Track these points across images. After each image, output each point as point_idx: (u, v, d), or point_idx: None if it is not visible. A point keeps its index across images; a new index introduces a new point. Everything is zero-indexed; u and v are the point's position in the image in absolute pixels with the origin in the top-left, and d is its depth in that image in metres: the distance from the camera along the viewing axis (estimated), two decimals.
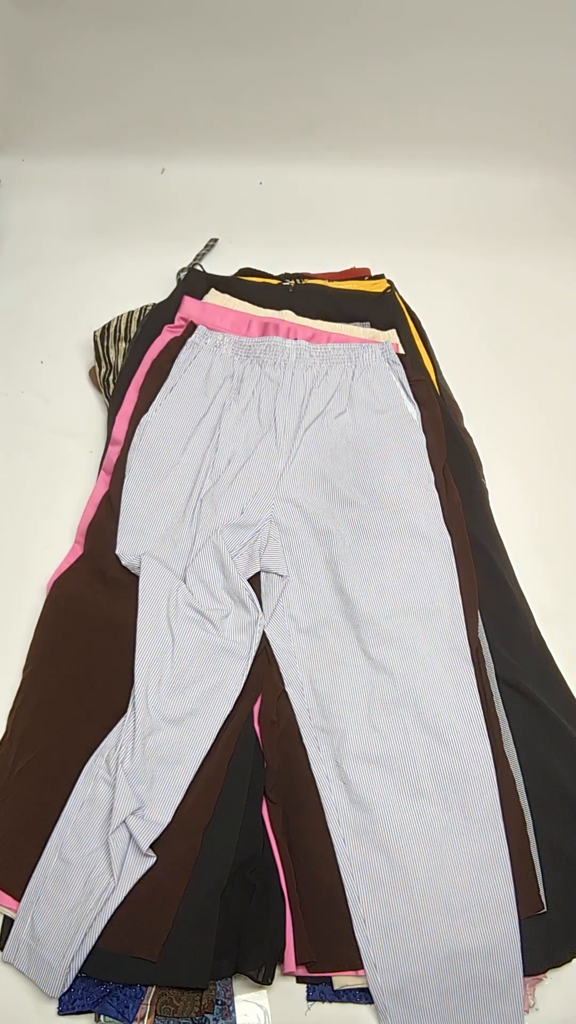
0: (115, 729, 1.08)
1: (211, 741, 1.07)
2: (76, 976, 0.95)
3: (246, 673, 1.12)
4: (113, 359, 1.43)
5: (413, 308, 1.50)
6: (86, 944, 0.95)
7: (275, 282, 1.52)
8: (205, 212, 1.76)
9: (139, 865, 0.99)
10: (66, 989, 0.95)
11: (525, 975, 0.97)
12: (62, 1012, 0.96)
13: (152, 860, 0.99)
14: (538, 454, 1.47)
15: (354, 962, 0.98)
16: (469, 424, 1.41)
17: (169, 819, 1.01)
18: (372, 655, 1.13)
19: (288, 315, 1.42)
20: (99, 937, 0.96)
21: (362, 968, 0.97)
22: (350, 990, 0.98)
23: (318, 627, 1.17)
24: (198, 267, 1.57)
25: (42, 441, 1.44)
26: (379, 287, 1.51)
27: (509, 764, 1.08)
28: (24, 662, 1.18)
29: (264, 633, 1.16)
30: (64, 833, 1.02)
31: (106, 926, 0.96)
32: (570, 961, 1.01)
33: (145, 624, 1.14)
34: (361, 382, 1.31)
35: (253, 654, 1.14)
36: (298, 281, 1.51)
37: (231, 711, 1.10)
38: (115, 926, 0.96)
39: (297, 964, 0.97)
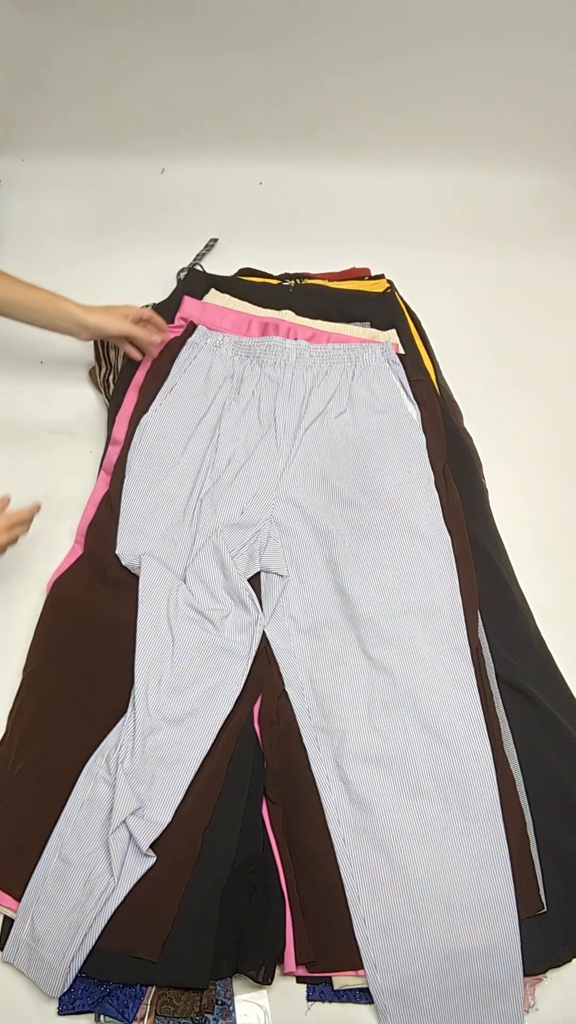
0: (115, 729, 1.08)
1: (211, 741, 1.07)
2: (76, 976, 0.95)
3: (246, 673, 1.12)
4: (113, 359, 1.43)
5: (413, 308, 1.50)
6: (86, 944, 0.95)
7: (275, 282, 1.52)
8: (205, 212, 1.76)
9: (139, 865, 0.99)
10: (66, 989, 0.94)
11: (525, 975, 0.97)
12: (62, 1012, 0.96)
13: (152, 860, 0.99)
14: (538, 454, 1.47)
15: (354, 962, 0.98)
16: (469, 424, 1.41)
17: (169, 819, 1.01)
18: (372, 655, 1.13)
19: (288, 315, 1.42)
20: (99, 937, 0.96)
21: (362, 968, 0.97)
22: (350, 990, 0.98)
23: (318, 627, 1.17)
24: (198, 267, 1.57)
25: (42, 441, 1.44)
26: (379, 287, 1.51)
27: (509, 764, 1.09)
28: (24, 662, 1.18)
29: (264, 633, 1.16)
30: (64, 833, 1.02)
31: (106, 926, 0.96)
32: (570, 961, 1.01)
33: (145, 624, 1.14)
34: (361, 382, 1.31)
35: (253, 654, 1.14)
36: (298, 281, 1.51)
37: (231, 711, 1.10)
38: (115, 926, 0.96)
39: (297, 964, 0.97)
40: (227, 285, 1.49)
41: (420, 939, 0.97)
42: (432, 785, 1.05)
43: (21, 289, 1.20)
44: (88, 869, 0.99)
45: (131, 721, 1.07)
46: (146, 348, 1.32)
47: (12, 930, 0.98)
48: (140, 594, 1.16)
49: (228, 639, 1.14)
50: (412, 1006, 0.95)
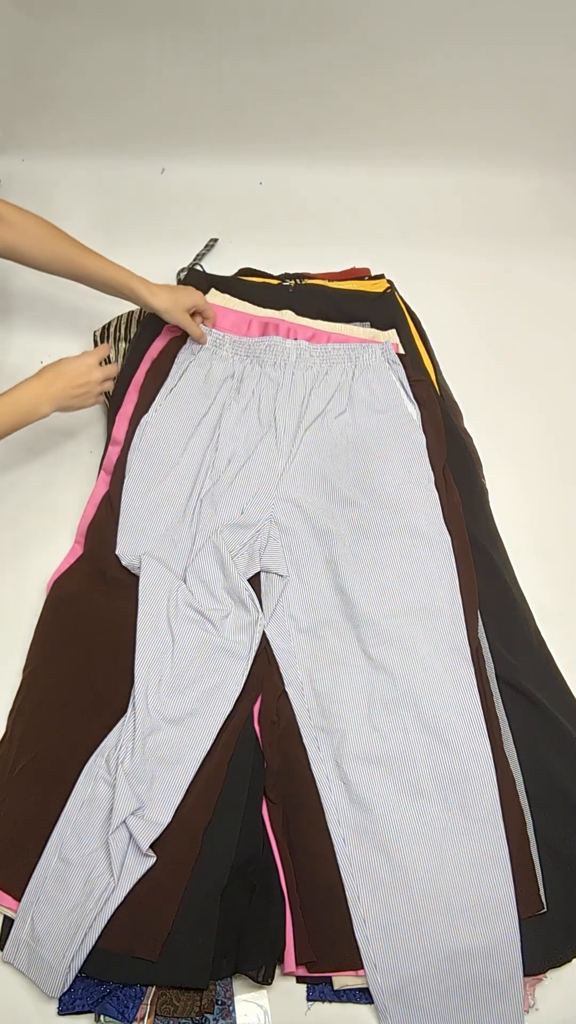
0: (115, 729, 1.08)
1: (211, 741, 1.07)
2: (76, 976, 0.95)
3: (246, 673, 1.12)
4: (113, 359, 1.43)
5: (413, 308, 1.50)
6: (86, 944, 0.95)
7: (275, 282, 1.52)
8: (205, 212, 1.76)
9: (139, 865, 0.99)
10: (66, 989, 0.95)
11: (525, 975, 0.97)
12: (62, 1012, 0.96)
13: (152, 860, 0.99)
14: (538, 454, 1.47)
15: (354, 962, 0.98)
16: (469, 424, 1.41)
17: (169, 819, 1.01)
18: (372, 655, 1.13)
19: (288, 315, 1.42)
20: (99, 937, 0.96)
21: (362, 968, 0.97)
22: (350, 990, 0.98)
23: (318, 627, 1.17)
24: (198, 267, 1.57)
25: (42, 441, 1.44)
26: (379, 287, 1.51)
27: (509, 764, 1.09)
28: (24, 662, 1.18)
29: (264, 633, 1.16)
30: (64, 833, 1.02)
31: (106, 926, 0.96)
32: (570, 961, 1.01)
33: (145, 624, 1.14)
34: (361, 382, 1.31)
35: (253, 654, 1.14)
36: (298, 281, 1.51)
37: (231, 711, 1.10)
38: (115, 926, 0.96)
39: (297, 964, 0.97)
40: (227, 285, 1.49)
41: (420, 939, 0.97)
42: (432, 785, 1.05)
43: (95, 261, 1.28)
44: (88, 869, 0.99)
45: (131, 721, 1.07)
46: (196, 339, 1.36)
47: (12, 930, 0.98)
48: (140, 594, 1.16)
49: (228, 639, 1.14)
50: (412, 1006, 0.95)
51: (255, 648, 1.14)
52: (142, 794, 1.02)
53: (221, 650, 1.14)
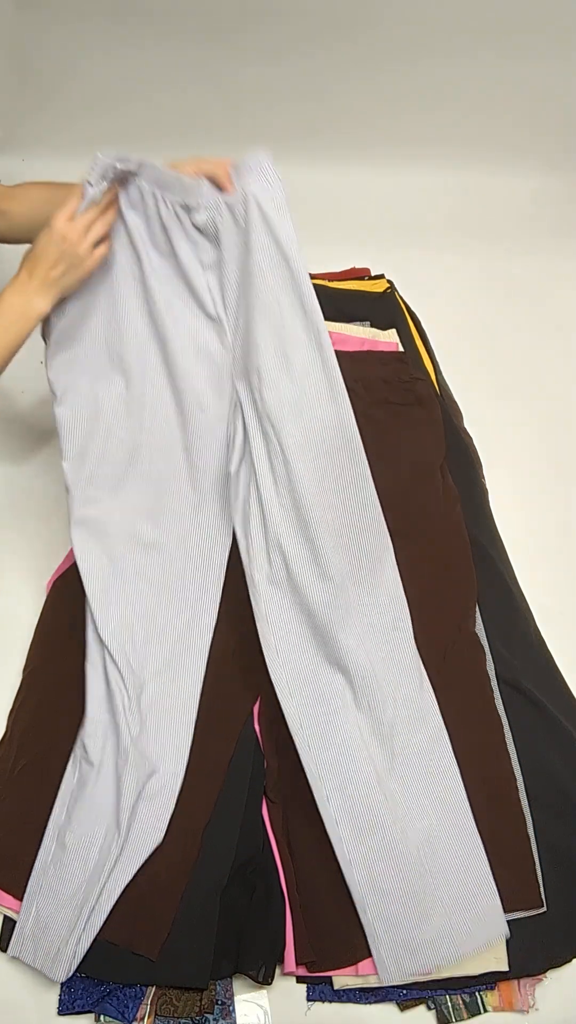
0: (91, 710, 1.07)
1: (202, 676, 1.08)
2: (76, 976, 0.95)
3: (222, 582, 1.12)
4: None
5: (413, 308, 1.50)
6: (91, 925, 0.95)
7: None
8: None
9: (148, 837, 0.99)
10: (70, 975, 0.93)
11: (525, 975, 0.97)
12: (62, 1012, 0.96)
13: (160, 835, 0.99)
14: (538, 454, 1.47)
15: (354, 960, 0.98)
16: (469, 424, 1.41)
17: (184, 767, 1.02)
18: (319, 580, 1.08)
19: None
20: (100, 930, 0.95)
21: (361, 961, 0.97)
22: (350, 990, 0.98)
23: (283, 545, 1.08)
24: None
25: (42, 441, 1.44)
26: (379, 287, 1.51)
27: (510, 764, 1.08)
28: (24, 662, 1.18)
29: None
30: (59, 819, 1.02)
31: (106, 922, 0.96)
32: (570, 961, 1.00)
33: (96, 598, 1.11)
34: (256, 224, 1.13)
35: (225, 563, 1.12)
36: None
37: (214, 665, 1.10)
38: (115, 922, 0.96)
39: (297, 964, 0.97)
40: None
41: (398, 870, 0.99)
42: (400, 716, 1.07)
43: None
44: (86, 850, 0.99)
45: (120, 688, 1.06)
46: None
47: (17, 921, 0.98)
48: (80, 569, 1.12)
49: (187, 566, 1.13)
50: (387, 896, 0.97)
51: (225, 557, 1.12)
52: (152, 752, 1.03)
53: (181, 581, 1.12)
